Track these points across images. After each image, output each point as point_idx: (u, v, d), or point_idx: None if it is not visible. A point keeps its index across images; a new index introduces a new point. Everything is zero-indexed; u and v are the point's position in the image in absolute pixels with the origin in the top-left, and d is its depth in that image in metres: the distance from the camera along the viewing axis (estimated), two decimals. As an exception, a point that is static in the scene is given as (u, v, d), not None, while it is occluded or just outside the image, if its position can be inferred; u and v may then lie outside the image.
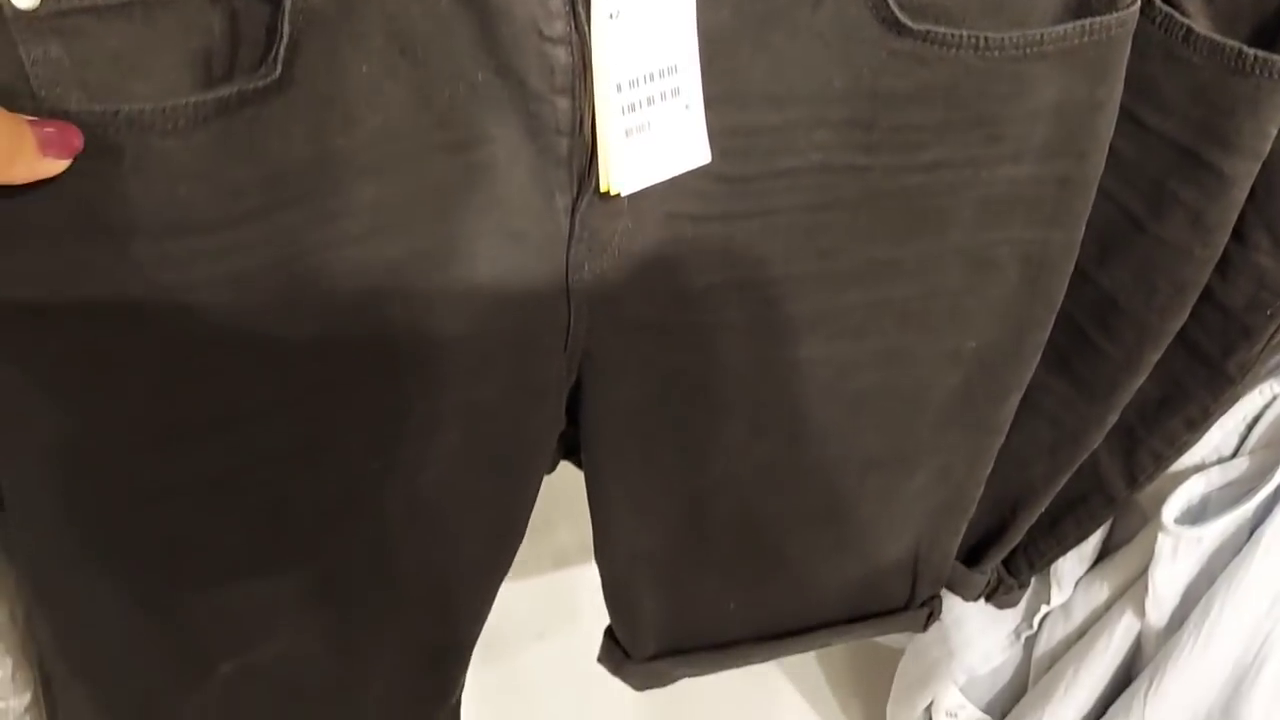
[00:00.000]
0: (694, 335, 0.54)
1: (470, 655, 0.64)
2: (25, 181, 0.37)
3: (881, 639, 0.89)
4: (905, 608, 0.75)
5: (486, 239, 0.46)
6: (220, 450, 0.46)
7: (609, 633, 0.72)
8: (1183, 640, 0.71)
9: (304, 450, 0.48)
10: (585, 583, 0.71)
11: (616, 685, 0.75)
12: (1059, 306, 0.59)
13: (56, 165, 0.37)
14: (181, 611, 0.51)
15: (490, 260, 0.47)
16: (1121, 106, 0.54)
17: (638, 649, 0.71)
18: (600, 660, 0.73)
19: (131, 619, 0.51)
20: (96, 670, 0.53)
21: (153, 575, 0.49)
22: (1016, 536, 0.76)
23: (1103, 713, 0.78)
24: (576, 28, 0.42)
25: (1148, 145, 0.57)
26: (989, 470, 0.68)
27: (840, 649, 0.83)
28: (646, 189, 0.46)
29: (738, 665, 0.73)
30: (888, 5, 0.46)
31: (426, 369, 0.48)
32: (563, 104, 0.44)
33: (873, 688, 1.13)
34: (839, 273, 0.53)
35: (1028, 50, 0.48)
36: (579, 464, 0.62)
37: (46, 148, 0.36)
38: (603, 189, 0.46)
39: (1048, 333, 0.60)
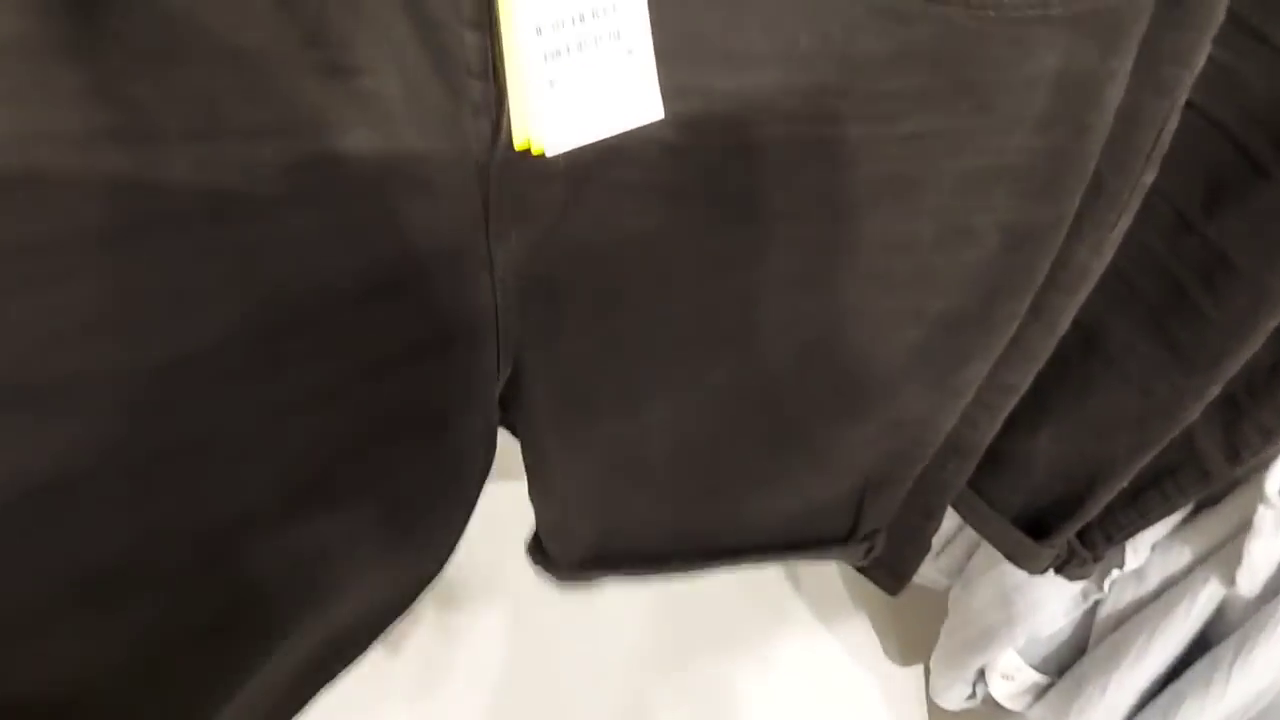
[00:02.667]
0: (641, 301, 0.47)
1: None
2: None
3: (921, 580, 0.83)
4: (845, 540, 0.72)
5: (384, 185, 0.39)
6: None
7: (535, 535, 0.69)
8: (1276, 611, 0.68)
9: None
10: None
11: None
12: (1040, 280, 0.52)
13: None
14: None
15: (388, 210, 0.40)
16: (1241, 19, 0.43)
17: (564, 558, 0.68)
18: (527, 553, 0.71)
19: None
20: None
21: None
22: (1093, 510, 0.68)
23: (1174, 678, 0.75)
24: None
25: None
26: (950, 428, 0.61)
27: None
28: (583, 151, 0.39)
29: (665, 577, 0.71)
30: None
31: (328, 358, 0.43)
32: (472, 39, 0.36)
33: (912, 631, 1.08)
34: (798, 239, 0.46)
35: (1030, 11, 0.39)
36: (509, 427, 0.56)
37: None
38: (518, 145, 0.38)
39: (1025, 303, 0.53)
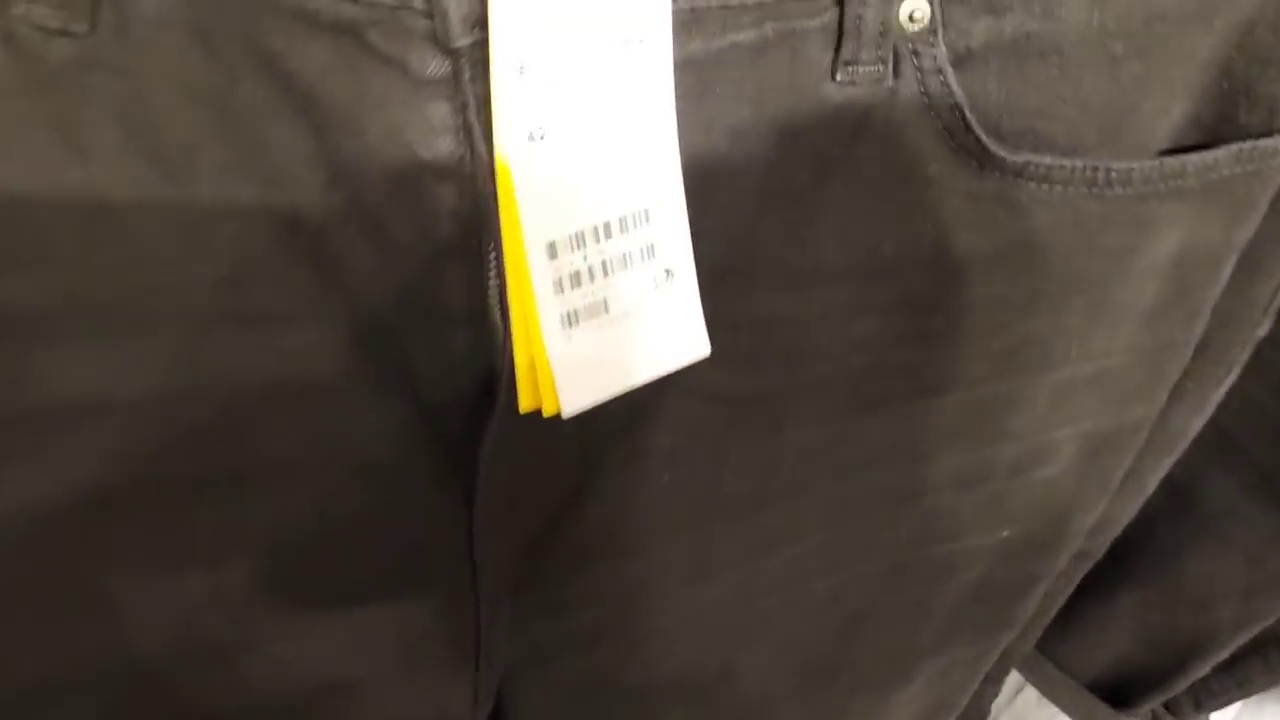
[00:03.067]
0: (666, 605, 0.37)
1: None
2: None
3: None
4: None
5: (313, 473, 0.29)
6: None
7: None
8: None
9: None
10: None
11: None
12: (1115, 487, 0.45)
13: None
14: None
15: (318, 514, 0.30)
16: None
17: None
18: None
19: None
20: None
21: None
22: (1184, 683, 0.62)
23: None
24: (474, 152, 0.25)
25: None
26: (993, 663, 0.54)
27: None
28: (604, 410, 0.29)
29: None
30: (969, 129, 0.29)
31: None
32: (454, 273, 0.27)
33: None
34: (858, 501, 0.38)
35: (1163, 185, 0.32)
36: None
37: None
38: (524, 408, 0.28)
39: (1097, 514, 0.46)
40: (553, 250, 0.27)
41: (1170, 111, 0.32)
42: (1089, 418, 0.40)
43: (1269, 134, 0.34)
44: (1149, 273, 0.35)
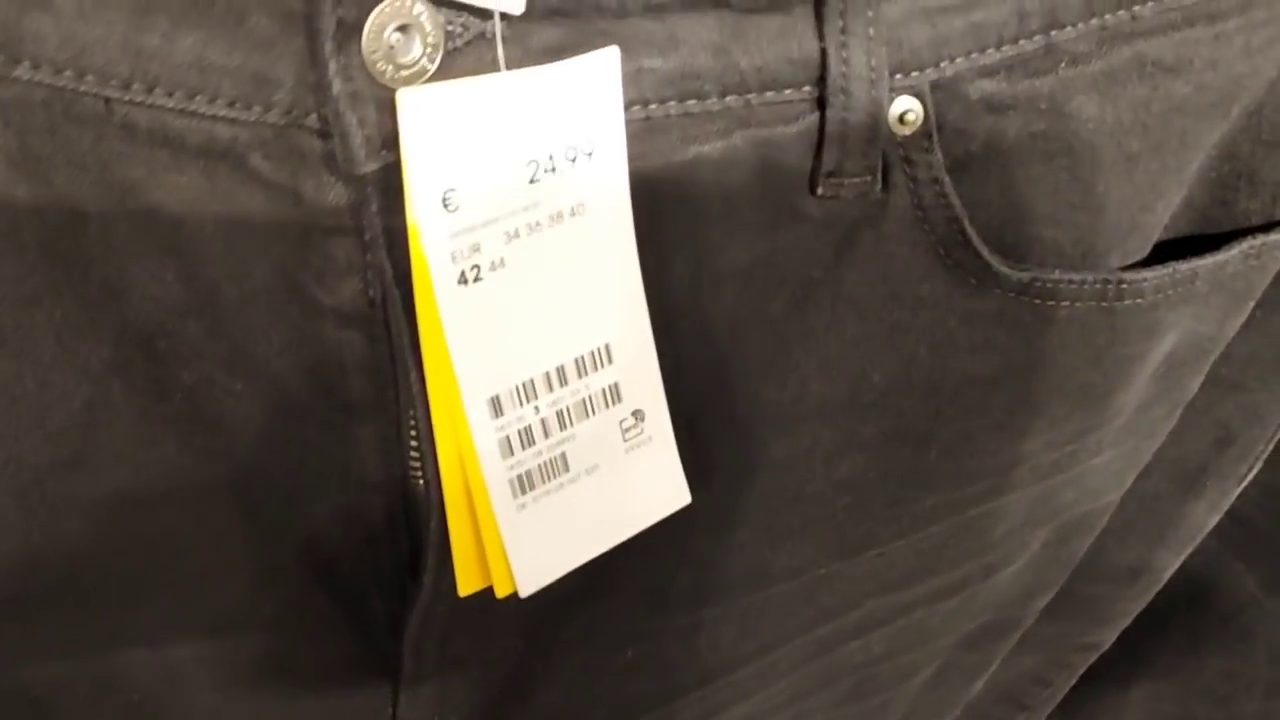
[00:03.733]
0: None
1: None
2: None
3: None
4: None
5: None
6: None
7: None
8: None
9: None
10: None
11: None
12: (1076, 563, 0.42)
13: None
14: None
15: None
16: None
17: None
18: None
19: None
20: None
21: None
22: None
23: None
24: (386, 296, 0.21)
25: None
26: None
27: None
28: (560, 584, 0.24)
29: None
30: (968, 243, 0.26)
31: None
32: (366, 435, 0.22)
33: None
34: (828, 637, 0.35)
35: (1173, 291, 0.29)
36: None
37: None
38: (465, 590, 0.24)
39: (1055, 590, 0.43)
40: (496, 406, 0.22)
41: (1175, 203, 0.29)
42: (1065, 511, 0.37)
43: (1271, 222, 0.31)
44: (1147, 374, 0.32)
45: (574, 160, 0.21)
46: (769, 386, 0.26)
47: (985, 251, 0.25)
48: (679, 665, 0.30)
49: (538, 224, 0.22)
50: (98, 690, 0.25)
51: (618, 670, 0.29)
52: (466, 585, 0.23)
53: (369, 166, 0.20)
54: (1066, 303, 0.27)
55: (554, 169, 0.21)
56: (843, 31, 0.23)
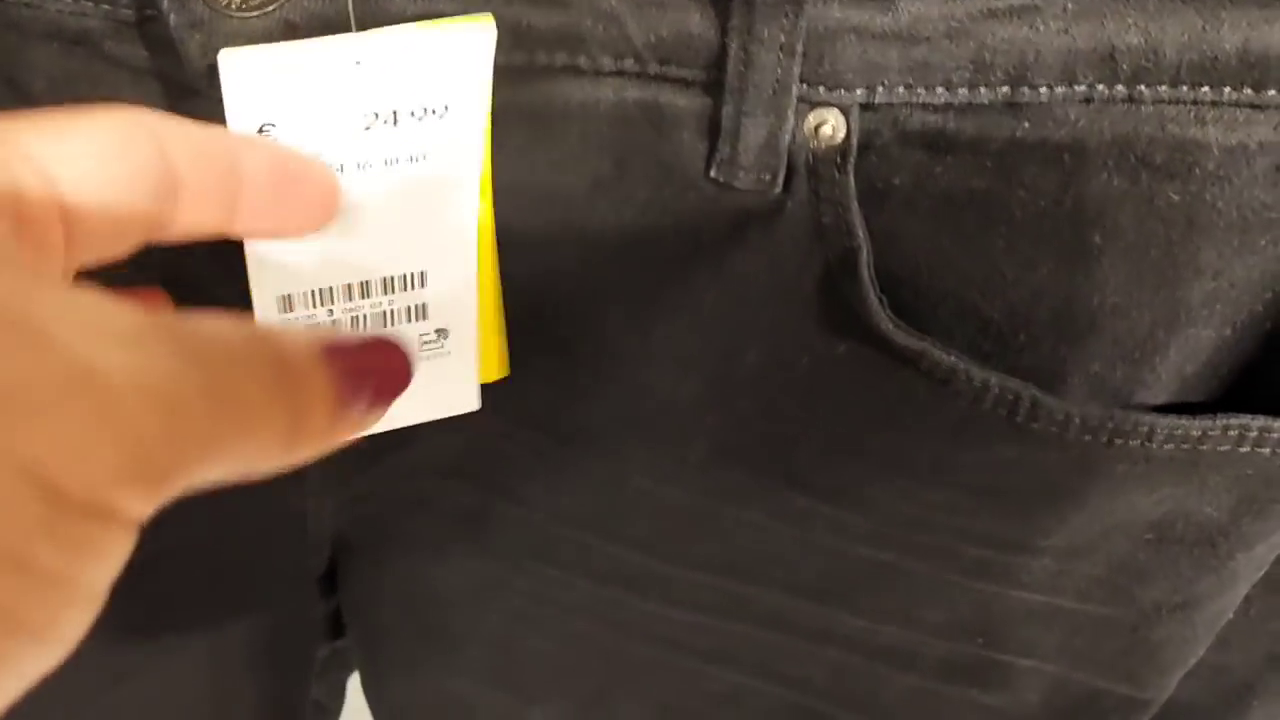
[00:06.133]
0: None
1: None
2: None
3: None
4: None
5: None
6: None
7: None
8: None
9: None
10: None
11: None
12: None
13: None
14: None
15: None
16: None
17: None
18: None
19: None
20: None
21: None
22: None
23: None
24: None
25: None
26: None
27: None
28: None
29: None
30: (857, 279, 0.22)
31: None
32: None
33: None
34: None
35: (1120, 441, 0.24)
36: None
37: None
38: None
39: None
40: (286, 303, 0.21)
41: (1193, 336, 0.23)
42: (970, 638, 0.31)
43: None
44: (1098, 521, 0.26)
45: (420, 118, 0.19)
46: (640, 322, 0.24)
47: (872, 295, 0.22)
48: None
49: (369, 163, 0.20)
50: None
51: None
52: None
53: (203, 64, 0.19)
54: (962, 399, 0.23)
55: (394, 122, 0.19)
56: (748, 30, 0.20)
